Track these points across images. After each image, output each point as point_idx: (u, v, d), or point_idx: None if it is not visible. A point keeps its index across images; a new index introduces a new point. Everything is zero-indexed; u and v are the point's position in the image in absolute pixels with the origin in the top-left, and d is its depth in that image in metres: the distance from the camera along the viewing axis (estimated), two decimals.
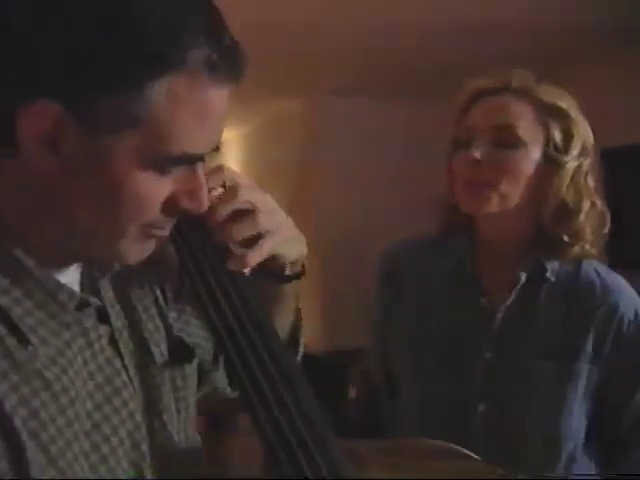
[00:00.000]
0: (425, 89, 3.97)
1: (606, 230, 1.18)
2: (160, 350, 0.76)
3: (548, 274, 1.15)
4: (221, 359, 0.89)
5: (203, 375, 0.86)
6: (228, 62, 0.62)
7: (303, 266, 0.84)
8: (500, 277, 1.18)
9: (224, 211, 0.72)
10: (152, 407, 0.72)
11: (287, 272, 0.82)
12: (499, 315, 1.17)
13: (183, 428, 0.76)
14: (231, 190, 0.73)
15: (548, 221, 1.14)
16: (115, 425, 0.67)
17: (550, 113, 1.13)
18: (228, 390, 0.91)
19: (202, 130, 0.62)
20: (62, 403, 0.62)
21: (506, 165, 1.12)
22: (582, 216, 1.14)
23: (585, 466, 1.18)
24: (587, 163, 1.16)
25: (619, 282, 1.18)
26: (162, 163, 0.61)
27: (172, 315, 0.81)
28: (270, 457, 0.67)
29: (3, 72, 0.59)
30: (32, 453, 0.58)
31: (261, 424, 0.67)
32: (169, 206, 0.64)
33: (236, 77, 0.63)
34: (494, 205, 1.13)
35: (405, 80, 3.91)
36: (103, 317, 0.70)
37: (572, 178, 1.14)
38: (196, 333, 0.84)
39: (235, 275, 0.74)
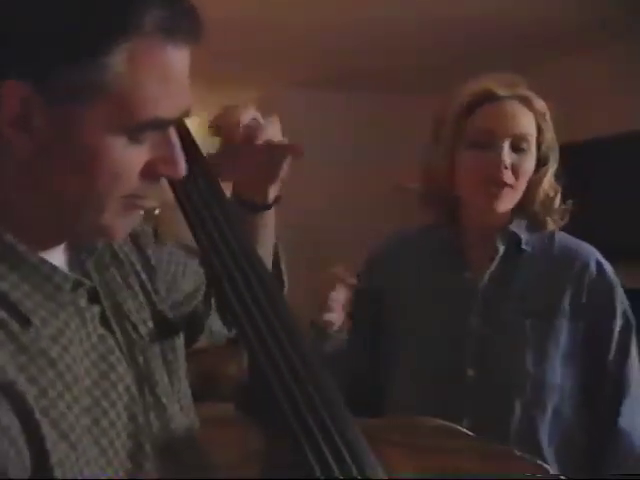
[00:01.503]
0: (385, 82, 4.00)
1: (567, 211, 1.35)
2: (147, 327, 0.77)
3: (523, 245, 1.31)
4: (212, 301, 0.93)
5: (198, 323, 0.90)
6: (185, 23, 0.63)
7: (277, 197, 0.90)
8: (481, 251, 1.32)
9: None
10: (145, 382, 0.73)
11: (265, 201, 0.89)
12: (482, 284, 1.30)
13: (177, 400, 0.77)
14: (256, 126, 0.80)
15: (531, 208, 1.32)
16: (113, 400, 0.68)
17: (542, 120, 1.30)
18: (225, 331, 0.96)
19: (167, 94, 0.63)
20: (67, 380, 0.63)
21: (524, 169, 1.27)
22: (556, 204, 1.33)
23: (575, 429, 1.28)
24: (557, 163, 1.35)
25: (586, 245, 1.35)
26: (132, 130, 0.62)
27: (154, 287, 0.82)
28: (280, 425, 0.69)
29: None
30: (46, 428, 0.60)
31: (273, 388, 0.71)
32: (148, 174, 0.65)
33: (194, 38, 0.64)
34: (510, 204, 1.29)
35: (365, 74, 3.93)
36: (94, 297, 0.71)
37: (551, 176, 1.33)
38: (185, 284, 0.88)
39: (227, 206, 0.79)
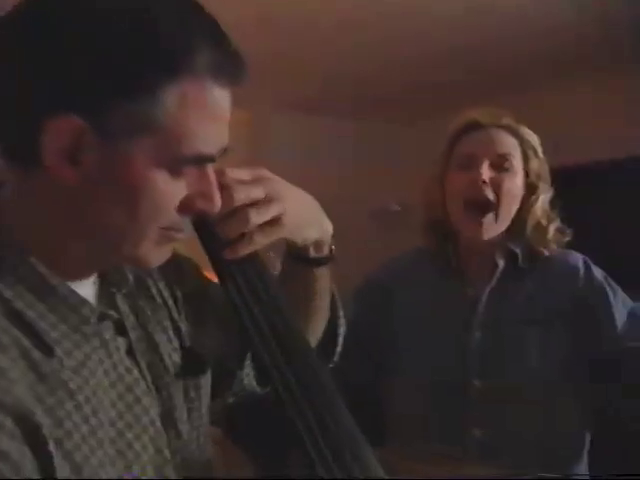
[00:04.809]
0: (371, 107, 4.05)
1: (565, 240, 1.40)
2: (173, 361, 0.77)
3: (520, 262, 1.37)
4: (249, 362, 0.92)
5: (228, 376, 0.89)
6: (231, 65, 0.65)
7: (331, 251, 0.89)
8: (479, 268, 1.39)
9: (221, 211, 0.73)
10: (167, 417, 0.74)
11: (312, 254, 0.86)
12: (484, 298, 1.36)
13: (196, 438, 0.78)
14: (225, 192, 0.73)
15: (524, 234, 1.37)
16: (138, 432, 0.69)
17: (529, 149, 1.37)
18: (257, 388, 0.94)
19: (212, 131, 0.65)
20: (85, 412, 0.63)
21: (506, 187, 1.33)
22: (550, 233, 1.38)
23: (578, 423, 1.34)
24: (551, 193, 1.40)
25: (574, 252, 1.41)
26: (176, 164, 0.64)
27: (185, 325, 0.82)
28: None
29: (25, 90, 0.61)
30: (58, 461, 0.59)
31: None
32: (184, 207, 0.67)
33: (238, 80, 0.66)
34: (493, 231, 1.34)
35: (351, 99, 3.97)
36: (120, 329, 0.72)
37: (544, 204, 1.38)
38: (214, 337, 0.86)
39: (262, 271, 0.78)
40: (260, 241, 0.77)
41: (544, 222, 1.37)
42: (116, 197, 0.63)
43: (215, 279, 0.83)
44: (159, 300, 0.80)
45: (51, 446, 0.59)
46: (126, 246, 0.66)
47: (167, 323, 0.79)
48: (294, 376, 0.74)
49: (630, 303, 1.34)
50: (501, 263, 1.37)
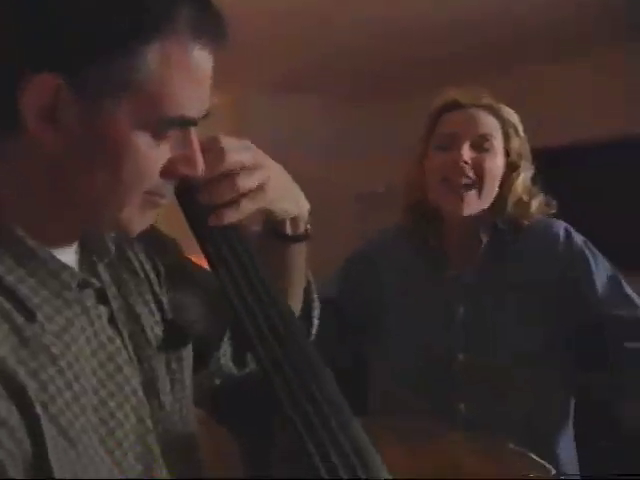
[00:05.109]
0: (352, 89, 4.03)
1: (552, 211, 1.40)
2: (154, 333, 0.77)
3: (504, 237, 1.37)
4: (226, 339, 0.91)
5: (205, 354, 0.88)
6: (212, 25, 0.65)
7: (307, 230, 0.88)
8: (465, 245, 1.39)
9: (209, 176, 0.73)
10: (149, 387, 0.73)
11: (288, 231, 0.85)
12: (466, 274, 1.37)
13: (179, 410, 0.77)
14: (217, 155, 0.74)
15: (505, 211, 1.37)
16: (120, 401, 0.68)
17: (510, 128, 1.37)
18: (234, 368, 0.94)
19: (194, 93, 0.64)
20: (68, 378, 0.63)
21: (487, 167, 1.33)
22: (532, 209, 1.39)
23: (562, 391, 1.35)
24: (532, 170, 1.41)
25: (555, 220, 1.41)
26: (160, 127, 0.63)
27: (167, 298, 0.82)
28: (290, 434, 0.69)
29: (3, 49, 0.60)
30: (45, 423, 0.59)
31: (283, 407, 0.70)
32: (167, 171, 0.66)
33: (220, 41, 0.66)
34: (474, 207, 1.34)
35: (333, 79, 3.95)
36: (102, 298, 0.72)
37: (525, 181, 1.38)
38: (194, 313, 0.85)
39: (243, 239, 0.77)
40: (247, 206, 0.76)
41: (526, 198, 1.39)
42: (99, 161, 0.62)
43: (200, 264, 0.84)
44: (141, 273, 0.80)
45: (38, 409, 0.59)
46: (109, 211, 0.65)
47: (149, 296, 0.79)
48: (279, 345, 0.73)
49: (610, 269, 1.35)
50: (485, 239, 1.38)
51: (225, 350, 0.92)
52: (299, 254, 0.89)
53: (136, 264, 0.80)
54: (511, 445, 0.84)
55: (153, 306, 0.79)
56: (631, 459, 2.02)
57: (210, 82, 0.67)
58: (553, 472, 0.84)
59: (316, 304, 0.97)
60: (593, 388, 1.40)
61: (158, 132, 0.63)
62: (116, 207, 0.65)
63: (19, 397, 0.58)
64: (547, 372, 1.33)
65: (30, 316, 0.62)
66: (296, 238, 0.87)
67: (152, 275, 0.81)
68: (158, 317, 0.79)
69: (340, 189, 4.20)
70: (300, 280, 0.92)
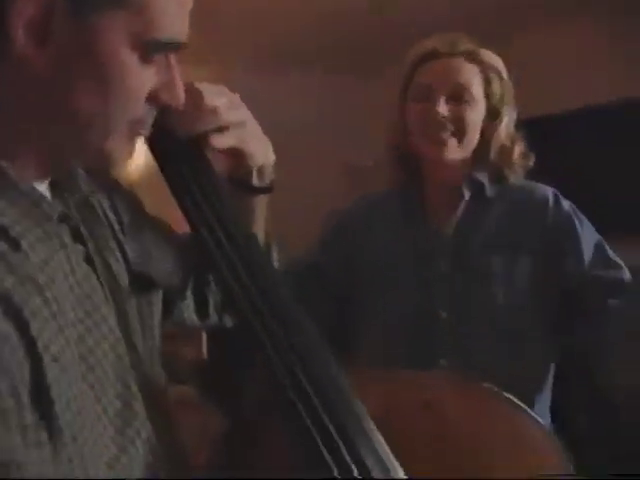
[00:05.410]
0: (340, 63, 4.00)
1: (530, 163, 1.39)
2: (123, 280, 0.77)
3: (487, 191, 1.37)
4: (189, 293, 0.93)
5: (170, 304, 0.89)
6: None
7: (271, 183, 0.89)
8: (446, 201, 1.38)
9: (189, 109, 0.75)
10: (123, 329, 0.73)
11: (255, 181, 0.87)
12: (449, 231, 1.36)
13: (150, 357, 0.78)
14: (195, 95, 0.77)
15: (487, 158, 1.36)
16: (98, 339, 0.68)
17: (491, 73, 1.33)
18: (197, 321, 0.96)
19: (179, 18, 0.66)
20: (53, 309, 0.62)
21: (467, 119, 1.31)
22: (515, 155, 1.38)
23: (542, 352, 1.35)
24: (515, 114, 1.39)
25: (542, 185, 1.40)
26: (148, 47, 0.63)
27: (130, 248, 0.82)
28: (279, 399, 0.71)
29: None
30: (40, 347, 0.59)
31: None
32: (151, 99, 0.67)
33: None
34: (456, 152, 1.32)
35: (314, 53, 3.92)
36: (77, 236, 0.71)
37: (508, 127, 1.37)
38: (158, 264, 0.86)
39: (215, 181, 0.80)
40: (229, 136, 0.80)
41: (508, 144, 1.36)
42: (87, 81, 0.62)
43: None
44: (104, 221, 0.80)
45: (34, 331, 0.58)
46: (95, 138, 0.65)
47: (113, 244, 0.79)
48: (256, 289, 0.74)
49: (596, 234, 1.36)
50: (467, 194, 1.36)
51: (189, 303, 0.94)
52: (261, 206, 0.90)
53: (99, 211, 0.80)
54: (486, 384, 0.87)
55: (118, 254, 0.79)
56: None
57: (189, 9, 0.68)
58: (529, 411, 0.85)
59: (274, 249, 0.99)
60: (575, 347, 1.41)
61: (147, 54, 0.64)
62: (102, 134, 0.65)
63: (17, 318, 0.57)
64: (528, 331, 1.33)
65: (14, 245, 0.61)
66: (261, 190, 0.88)
67: (116, 226, 0.81)
68: (123, 265, 0.79)
69: (329, 163, 4.20)
70: (259, 233, 0.94)
